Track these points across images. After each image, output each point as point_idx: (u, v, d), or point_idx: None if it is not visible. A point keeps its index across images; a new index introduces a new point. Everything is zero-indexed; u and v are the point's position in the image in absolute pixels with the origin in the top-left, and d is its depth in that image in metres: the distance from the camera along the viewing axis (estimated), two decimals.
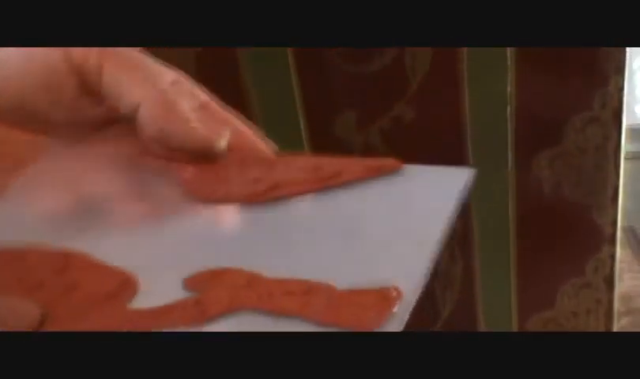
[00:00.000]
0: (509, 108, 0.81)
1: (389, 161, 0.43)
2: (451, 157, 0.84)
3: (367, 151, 0.82)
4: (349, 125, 0.81)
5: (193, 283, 0.37)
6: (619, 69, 0.81)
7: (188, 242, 0.39)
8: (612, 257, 0.93)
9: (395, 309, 0.35)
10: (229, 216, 0.41)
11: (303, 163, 0.41)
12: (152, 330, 0.35)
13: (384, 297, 0.35)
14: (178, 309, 0.35)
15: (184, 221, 0.40)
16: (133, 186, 0.42)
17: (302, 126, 0.81)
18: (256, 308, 0.35)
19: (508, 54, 0.79)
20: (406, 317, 0.35)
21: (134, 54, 0.40)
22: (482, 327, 0.95)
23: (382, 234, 0.39)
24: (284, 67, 0.78)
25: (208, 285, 0.37)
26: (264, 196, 0.40)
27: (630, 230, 1.81)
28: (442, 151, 0.84)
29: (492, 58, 0.79)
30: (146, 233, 0.40)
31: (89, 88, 0.39)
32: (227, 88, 0.79)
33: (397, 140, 0.82)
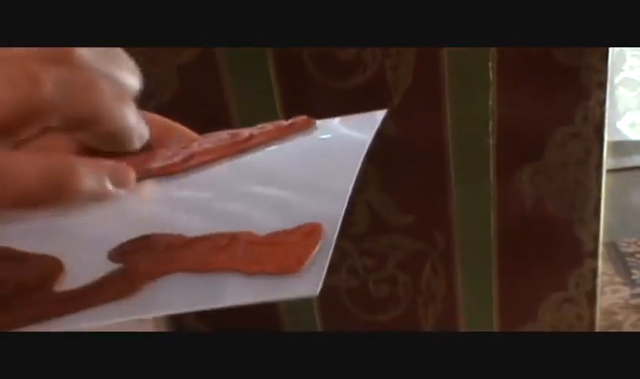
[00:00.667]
0: (491, 123, 0.82)
1: (301, 118, 0.43)
2: (433, 171, 0.84)
3: None
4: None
5: (118, 255, 0.36)
6: (601, 84, 0.81)
7: (106, 218, 0.39)
8: (594, 271, 0.93)
9: (319, 245, 0.35)
10: (144, 189, 0.40)
11: (220, 134, 0.42)
12: (83, 310, 0.34)
13: (306, 234, 0.35)
14: (106, 285, 0.35)
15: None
16: None
17: None
18: (183, 270, 0.35)
19: (490, 69, 0.79)
20: (330, 250, 0.34)
21: None
22: None
23: (296, 182, 0.39)
24: (266, 81, 0.78)
25: (133, 255, 0.36)
26: (179, 166, 0.40)
27: (611, 245, 1.81)
28: (423, 165, 0.84)
29: (474, 72, 0.79)
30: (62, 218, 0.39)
31: None
32: (208, 102, 0.79)
33: (379, 155, 0.82)
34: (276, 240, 0.35)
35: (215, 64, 0.77)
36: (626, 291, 1.70)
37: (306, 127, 0.43)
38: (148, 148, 0.41)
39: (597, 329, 0.99)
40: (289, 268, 0.34)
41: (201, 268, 0.35)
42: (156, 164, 0.41)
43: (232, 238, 0.35)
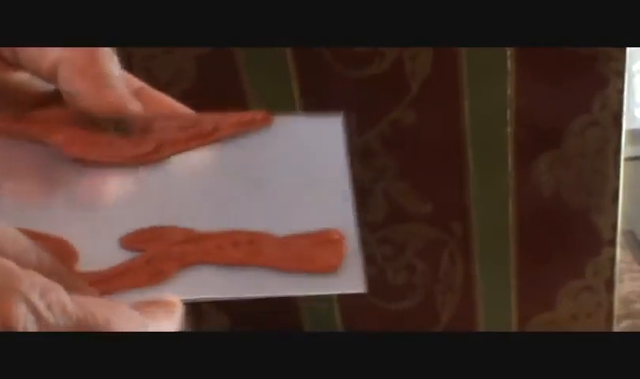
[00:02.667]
0: (508, 112, 0.82)
1: (261, 114, 0.43)
2: (451, 160, 0.84)
3: (367, 154, 0.82)
4: (349, 128, 0.81)
5: (131, 242, 0.37)
6: (619, 72, 0.81)
7: (112, 204, 0.39)
8: (612, 259, 0.93)
9: (345, 250, 0.35)
10: (123, 180, 0.40)
11: (181, 122, 0.42)
12: (106, 295, 0.34)
13: (328, 239, 0.35)
14: (129, 271, 0.35)
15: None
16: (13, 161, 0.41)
17: None
18: (209, 262, 0.35)
19: (508, 58, 0.79)
20: (360, 257, 0.35)
21: None
22: (482, 329, 0.95)
23: (289, 183, 0.40)
24: (283, 71, 0.78)
25: (149, 244, 0.37)
26: (149, 157, 0.40)
27: (630, 234, 1.81)
28: (441, 154, 0.84)
29: (492, 61, 0.79)
30: (49, 205, 0.39)
31: (7, 62, 0.39)
32: (226, 91, 0.79)
33: (397, 144, 0.82)
34: (300, 242, 0.35)
35: (232, 54, 0.77)
36: None
37: (267, 123, 0.43)
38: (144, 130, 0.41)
39: (615, 317, 0.99)
40: (327, 266, 0.34)
41: (227, 261, 0.35)
42: (117, 150, 0.41)
43: (252, 236, 0.36)
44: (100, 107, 0.39)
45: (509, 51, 0.79)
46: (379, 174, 0.84)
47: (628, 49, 0.80)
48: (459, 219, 0.88)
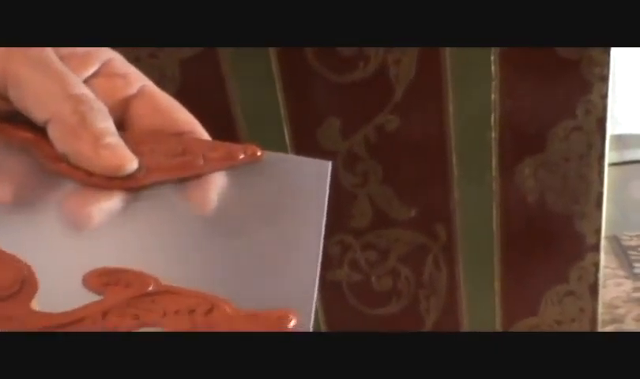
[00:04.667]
0: (493, 116, 0.82)
1: (251, 149, 0.43)
2: (435, 165, 0.84)
3: (352, 160, 0.82)
4: (333, 133, 0.81)
5: (94, 282, 0.36)
6: (603, 77, 0.81)
7: (81, 236, 0.39)
8: (596, 265, 0.94)
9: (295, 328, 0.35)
10: (107, 202, 0.40)
11: (169, 148, 0.41)
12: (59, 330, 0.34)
13: (282, 322, 0.35)
14: (85, 320, 0.35)
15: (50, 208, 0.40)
16: None
17: (286, 135, 0.81)
18: (164, 326, 0.35)
19: (492, 62, 0.79)
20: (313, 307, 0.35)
21: (42, 53, 0.38)
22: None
23: (265, 237, 0.39)
24: (268, 76, 0.78)
25: (110, 289, 0.36)
26: (139, 182, 0.40)
27: (614, 239, 1.81)
28: (425, 159, 0.84)
29: (476, 65, 0.79)
30: (18, 220, 0.39)
31: None
32: (211, 97, 0.79)
33: (381, 149, 0.82)
34: (254, 317, 0.35)
35: (217, 58, 0.77)
36: (628, 285, 1.70)
37: (255, 159, 0.42)
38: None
39: (599, 323, 0.99)
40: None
41: (180, 328, 0.35)
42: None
43: (213, 304, 0.36)
44: (98, 168, 0.38)
45: (493, 56, 0.79)
46: (363, 179, 0.84)
47: (612, 54, 0.80)
48: (443, 224, 0.88)
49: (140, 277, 0.36)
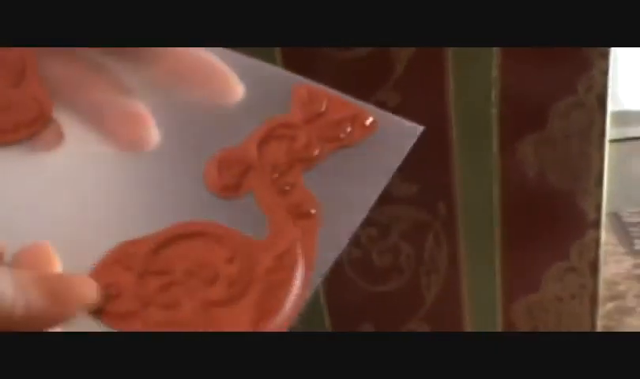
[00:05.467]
0: (494, 92, 0.81)
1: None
2: (436, 141, 0.84)
3: None
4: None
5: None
6: (604, 54, 0.81)
7: None
8: (597, 241, 0.94)
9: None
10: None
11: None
12: None
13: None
14: None
15: None
16: None
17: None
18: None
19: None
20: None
21: None
22: (467, 310, 0.95)
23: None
24: (269, 54, 0.78)
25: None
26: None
27: (614, 216, 1.81)
28: (426, 135, 0.84)
29: None
30: None
31: None
32: None
33: None
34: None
35: None
36: (629, 262, 1.71)
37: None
38: None
39: (600, 299, 0.99)
40: None
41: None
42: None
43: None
44: None
45: None
46: None
47: None
48: (444, 200, 0.88)
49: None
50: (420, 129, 0.43)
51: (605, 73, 0.82)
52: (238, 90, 0.41)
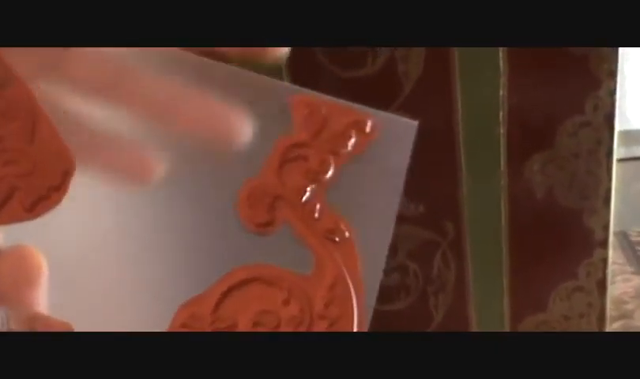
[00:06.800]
0: (501, 112, 0.82)
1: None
2: (443, 161, 0.84)
3: None
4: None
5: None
6: (612, 73, 0.81)
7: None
8: (604, 260, 0.93)
9: None
10: None
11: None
12: None
13: None
14: None
15: None
16: None
17: None
18: None
19: (500, 58, 0.79)
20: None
21: None
22: (474, 329, 0.95)
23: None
24: (276, 68, 0.78)
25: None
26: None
27: (622, 235, 1.81)
28: (434, 155, 0.84)
29: (485, 61, 0.79)
30: None
31: None
32: None
33: None
34: None
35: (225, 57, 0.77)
36: (636, 280, 1.70)
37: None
38: None
39: (608, 319, 0.99)
40: None
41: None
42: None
43: None
44: None
45: (501, 52, 0.79)
46: None
47: (620, 50, 0.80)
48: (451, 220, 0.88)
49: None
50: (415, 124, 0.42)
51: (613, 92, 0.82)
52: (244, 133, 0.39)
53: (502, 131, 0.83)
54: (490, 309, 0.95)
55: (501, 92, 0.80)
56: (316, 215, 0.38)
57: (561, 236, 0.92)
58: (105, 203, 0.37)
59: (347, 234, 0.38)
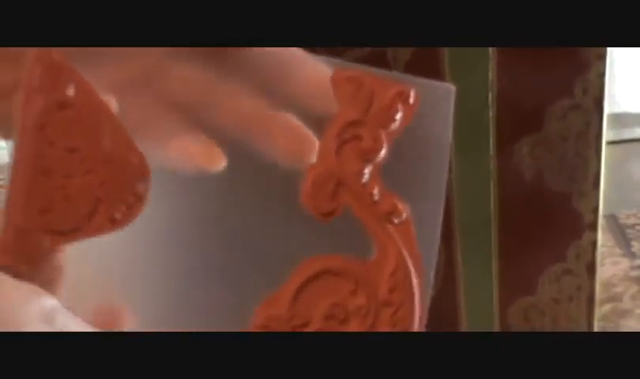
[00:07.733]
0: (490, 95, 0.81)
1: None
2: None
3: None
4: None
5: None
6: (601, 56, 0.81)
7: None
8: (593, 243, 0.94)
9: None
10: None
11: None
12: None
13: None
14: None
15: None
16: None
17: None
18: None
19: None
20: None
21: None
22: (463, 313, 0.95)
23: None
24: None
25: None
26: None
27: (611, 218, 1.81)
28: None
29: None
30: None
31: None
32: None
33: None
34: None
35: None
36: (625, 263, 1.71)
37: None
38: None
39: (597, 301, 0.99)
40: None
41: None
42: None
43: None
44: None
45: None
46: None
47: None
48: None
49: None
50: (453, 88, 0.41)
51: (602, 75, 0.82)
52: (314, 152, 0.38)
53: (491, 114, 0.83)
54: (479, 293, 0.95)
55: (490, 75, 0.80)
56: (375, 197, 0.37)
57: (550, 219, 0.92)
58: (173, 193, 0.38)
59: (404, 214, 0.37)
